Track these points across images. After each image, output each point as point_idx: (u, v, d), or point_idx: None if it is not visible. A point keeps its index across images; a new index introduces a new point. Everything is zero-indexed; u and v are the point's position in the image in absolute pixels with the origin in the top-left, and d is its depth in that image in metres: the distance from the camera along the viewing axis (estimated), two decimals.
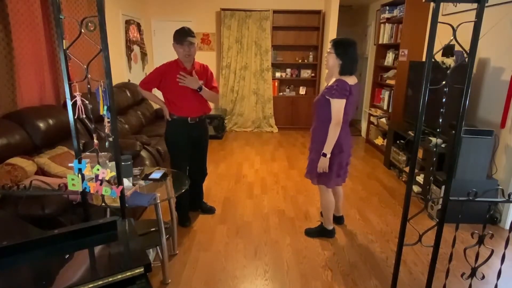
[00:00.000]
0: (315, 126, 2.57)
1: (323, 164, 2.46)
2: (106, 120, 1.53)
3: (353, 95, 2.38)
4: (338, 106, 2.34)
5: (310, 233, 2.83)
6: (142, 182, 2.28)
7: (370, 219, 3.12)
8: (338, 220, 2.99)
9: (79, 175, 1.56)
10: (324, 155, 2.43)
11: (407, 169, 3.91)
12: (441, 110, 1.67)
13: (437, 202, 2.99)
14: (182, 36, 2.56)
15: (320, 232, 2.81)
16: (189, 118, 2.74)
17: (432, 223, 1.84)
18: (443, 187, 2.90)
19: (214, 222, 3.01)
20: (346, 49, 2.35)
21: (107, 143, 1.57)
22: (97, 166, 1.53)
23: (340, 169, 2.57)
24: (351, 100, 2.38)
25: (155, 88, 2.76)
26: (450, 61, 3.31)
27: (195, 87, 2.65)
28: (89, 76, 1.51)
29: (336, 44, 2.38)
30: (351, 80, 2.39)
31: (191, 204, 3.08)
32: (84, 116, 1.54)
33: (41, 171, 2.40)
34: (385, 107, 5.05)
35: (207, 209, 3.19)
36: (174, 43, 2.61)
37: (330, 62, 2.42)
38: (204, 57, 6.38)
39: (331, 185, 2.61)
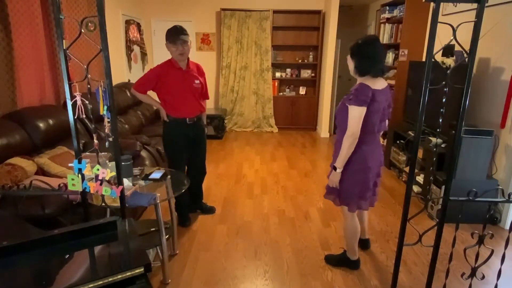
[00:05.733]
0: (337, 139, 2.21)
1: (334, 178, 2.15)
2: (106, 120, 1.53)
3: (378, 102, 2.01)
4: (354, 114, 1.98)
5: (330, 259, 2.49)
6: (142, 182, 2.28)
7: (370, 219, 3.11)
8: (364, 244, 2.62)
9: (79, 175, 1.56)
10: (334, 168, 2.13)
11: (407, 169, 3.91)
12: (441, 110, 1.67)
13: (437, 202, 2.99)
14: (175, 34, 2.53)
15: (341, 261, 2.43)
16: (187, 119, 2.74)
17: (432, 223, 1.84)
18: (443, 187, 2.90)
19: (214, 222, 3.01)
20: (359, 48, 2.04)
21: (107, 143, 1.57)
22: (97, 166, 1.53)
23: (365, 190, 2.16)
24: (376, 107, 2.01)
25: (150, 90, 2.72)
26: (450, 61, 3.30)
27: None
28: (89, 76, 1.51)
29: (352, 45, 2.09)
30: (377, 83, 2.03)
31: (191, 205, 3.08)
32: (84, 116, 1.54)
33: (41, 171, 2.40)
34: None
35: (207, 209, 3.18)
36: (167, 43, 2.57)
37: (349, 66, 2.13)
38: (204, 57, 6.38)
39: (353, 208, 2.22)
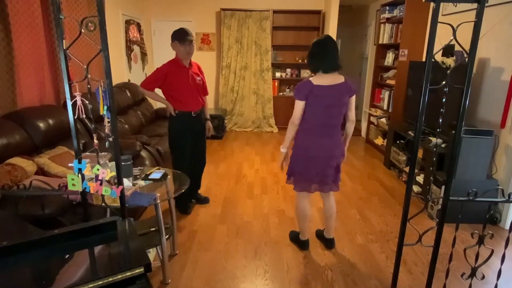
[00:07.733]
0: None
1: (278, 157, 2.49)
2: (106, 120, 1.53)
3: (321, 97, 2.19)
4: (295, 106, 2.25)
5: (290, 235, 2.78)
6: (142, 182, 2.28)
7: (370, 219, 3.11)
8: (328, 243, 2.66)
9: (79, 175, 1.55)
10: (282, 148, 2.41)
11: (407, 169, 3.91)
12: (441, 110, 1.67)
13: (437, 202, 2.99)
14: (184, 35, 2.74)
15: (293, 239, 2.71)
16: (192, 112, 2.93)
17: (432, 223, 1.84)
18: (443, 187, 2.90)
19: (214, 222, 3.01)
20: (309, 49, 2.27)
21: (107, 143, 1.57)
22: (97, 166, 1.52)
23: (306, 174, 2.37)
24: (317, 102, 2.20)
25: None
26: (450, 61, 3.30)
27: None
28: (89, 76, 1.51)
29: None
30: (327, 79, 2.20)
31: (188, 194, 3.13)
32: (84, 116, 1.54)
33: (41, 171, 2.40)
34: (385, 107, 5.05)
35: (202, 200, 3.34)
36: (175, 42, 2.76)
37: None
38: (204, 57, 6.38)
39: (298, 187, 2.45)
